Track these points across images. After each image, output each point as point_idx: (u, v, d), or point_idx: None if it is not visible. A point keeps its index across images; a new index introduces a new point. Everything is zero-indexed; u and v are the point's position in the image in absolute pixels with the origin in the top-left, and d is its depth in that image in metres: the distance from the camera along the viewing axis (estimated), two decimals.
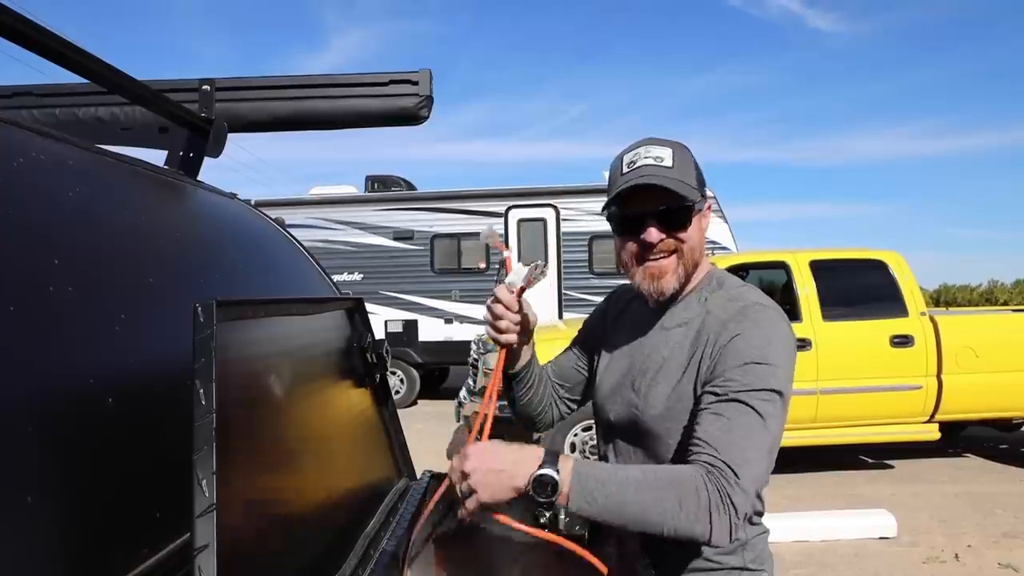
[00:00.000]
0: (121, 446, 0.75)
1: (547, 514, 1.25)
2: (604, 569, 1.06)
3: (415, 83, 1.69)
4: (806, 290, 5.75)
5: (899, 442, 5.91)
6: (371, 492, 1.29)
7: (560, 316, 9.66)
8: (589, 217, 9.84)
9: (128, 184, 1.09)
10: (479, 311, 10.22)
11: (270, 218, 1.68)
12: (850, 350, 5.66)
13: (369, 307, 1.39)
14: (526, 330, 1.34)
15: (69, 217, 0.83)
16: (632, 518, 1.02)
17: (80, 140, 1.01)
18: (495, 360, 1.35)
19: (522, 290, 1.26)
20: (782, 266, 5.98)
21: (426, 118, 1.72)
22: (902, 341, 5.64)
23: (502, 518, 1.06)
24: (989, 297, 20.64)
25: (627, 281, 1.33)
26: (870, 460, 6.37)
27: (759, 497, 1.19)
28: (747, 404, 1.08)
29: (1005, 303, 17.57)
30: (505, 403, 1.39)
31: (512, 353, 1.35)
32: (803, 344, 5.51)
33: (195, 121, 1.43)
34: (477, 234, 11.19)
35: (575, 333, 1.54)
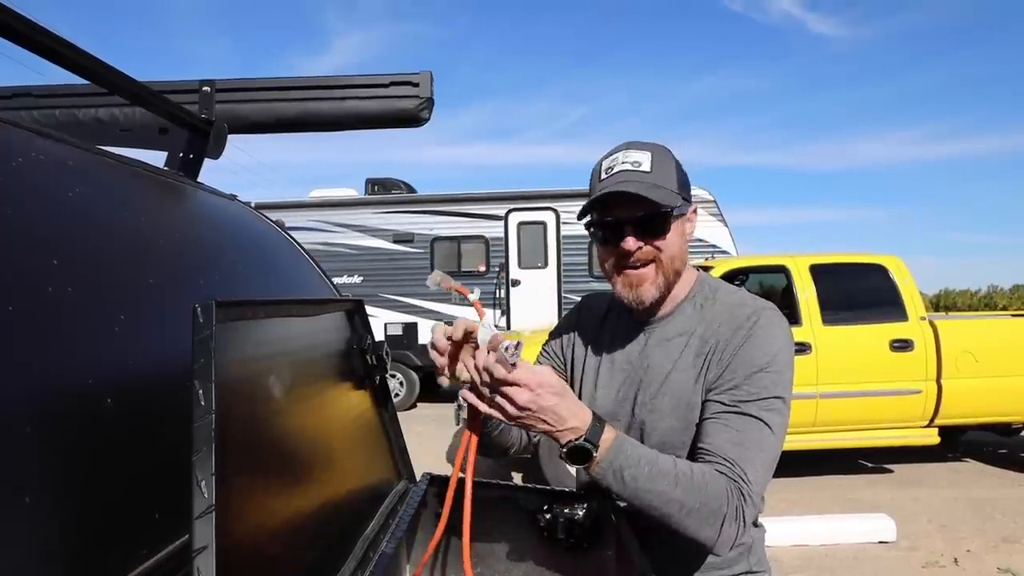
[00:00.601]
0: (120, 447, 0.74)
1: (547, 516, 1.25)
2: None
3: (416, 85, 1.68)
4: (806, 294, 5.75)
5: (899, 446, 5.91)
6: (370, 494, 1.29)
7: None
8: None
9: (128, 185, 1.09)
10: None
11: (270, 220, 1.67)
12: (850, 354, 5.66)
13: (369, 310, 1.38)
14: None
15: (69, 218, 0.83)
16: (648, 504, 1.05)
17: (80, 141, 1.00)
18: (461, 398, 1.32)
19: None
20: (782, 270, 5.99)
21: (427, 120, 1.72)
22: (902, 345, 5.64)
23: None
24: (988, 302, 20.66)
25: (598, 289, 1.33)
26: (869, 464, 6.36)
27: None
28: (756, 417, 1.10)
29: (1004, 308, 17.59)
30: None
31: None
32: (803, 348, 5.51)
33: (195, 122, 1.43)
34: (478, 237, 11.18)
35: None
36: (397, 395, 9.75)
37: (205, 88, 1.54)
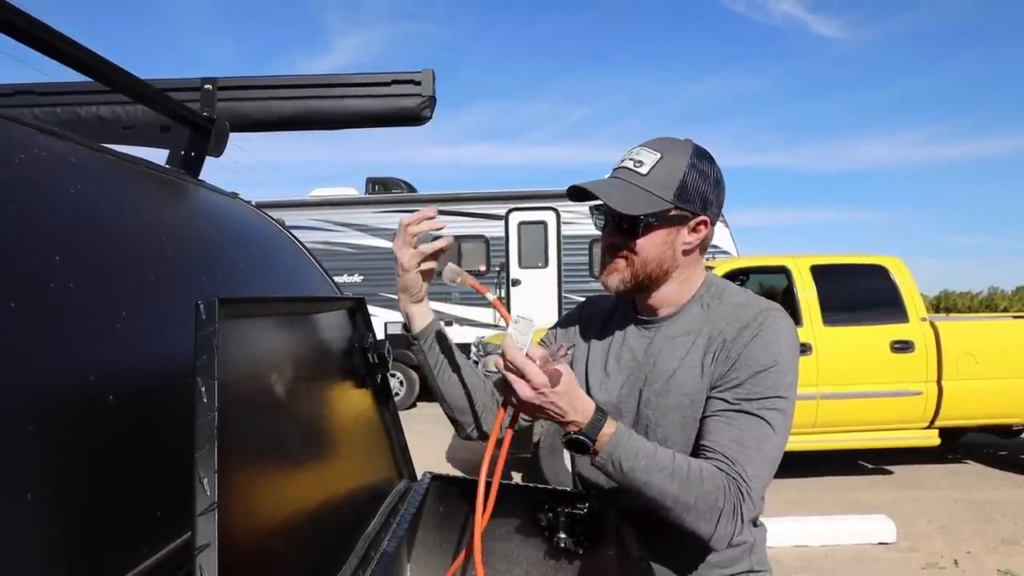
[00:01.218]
0: (122, 444, 0.74)
1: (547, 516, 1.25)
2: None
3: (417, 83, 1.68)
4: (807, 295, 5.75)
5: (899, 447, 5.91)
6: (372, 493, 1.29)
7: None
8: (590, 220, 9.82)
9: (130, 183, 1.09)
10: (479, 313, 10.23)
11: (272, 218, 1.67)
12: (850, 355, 5.65)
13: (370, 309, 1.38)
14: (428, 279, 1.32)
15: (71, 215, 0.83)
16: (646, 496, 1.07)
17: (82, 138, 1.00)
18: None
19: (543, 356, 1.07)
20: (783, 271, 5.99)
21: (428, 119, 1.72)
22: (903, 347, 5.64)
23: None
24: (989, 304, 20.66)
25: (598, 288, 1.35)
26: (870, 465, 6.36)
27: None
28: (758, 415, 1.10)
29: (1005, 310, 17.59)
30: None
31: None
32: (804, 349, 5.51)
33: (197, 120, 1.43)
34: (479, 236, 11.17)
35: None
36: (398, 394, 9.75)
37: (207, 86, 1.54)
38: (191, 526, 0.58)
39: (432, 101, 1.71)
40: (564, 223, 10.10)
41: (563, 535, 1.23)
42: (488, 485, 1.10)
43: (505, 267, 10.15)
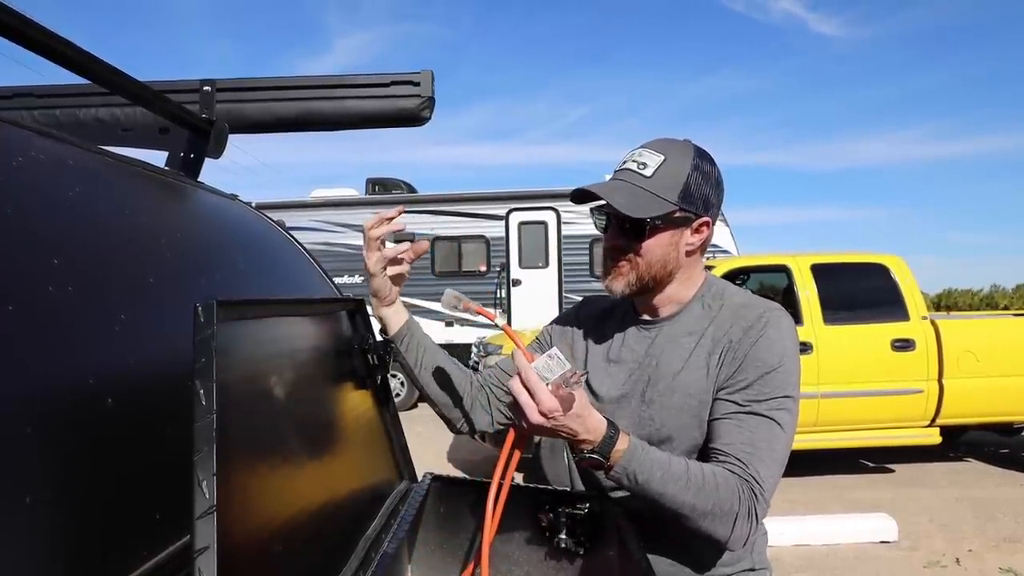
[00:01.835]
0: (121, 447, 0.74)
1: (549, 516, 1.25)
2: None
3: (417, 84, 1.68)
4: (807, 294, 5.75)
5: (900, 446, 5.91)
6: (372, 494, 1.29)
7: None
8: (590, 220, 9.78)
9: (129, 185, 1.09)
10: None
11: (271, 219, 1.67)
12: (851, 354, 5.65)
13: (370, 310, 1.38)
14: (399, 283, 1.34)
15: (69, 217, 0.83)
16: (662, 506, 1.08)
17: (81, 141, 1.00)
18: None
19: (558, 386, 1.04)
20: (783, 269, 5.99)
21: (427, 119, 1.72)
22: (903, 345, 5.64)
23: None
24: (990, 302, 20.64)
25: (599, 288, 1.35)
26: (871, 464, 6.36)
27: None
28: (767, 416, 1.12)
29: (1006, 308, 17.58)
30: None
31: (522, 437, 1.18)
32: (804, 348, 5.50)
33: (196, 122, 1.43)
34: (479, 237, 11.17)
35: None
36: (398, 395, 9.75)
37: (206, 88, 1.54)
38: (190, 529, 0.58)
39: (431, 102, 1.70)
40: (564, 223, 10.10)
41: (564, 536, 1.23)
42: (497, 500, 1.11)
43: (505, 267, 10.15)
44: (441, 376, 1.38)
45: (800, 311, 5.67)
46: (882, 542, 4.44)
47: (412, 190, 11.47)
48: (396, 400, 1.43)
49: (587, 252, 10.06)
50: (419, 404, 9.94)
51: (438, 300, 1.32)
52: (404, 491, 1.41)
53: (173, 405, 0.75)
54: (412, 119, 1.71)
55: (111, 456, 0.72)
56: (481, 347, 6.70)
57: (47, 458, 0.63)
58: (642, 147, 1.22)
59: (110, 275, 0.84)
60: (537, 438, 5.21)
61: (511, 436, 1.12)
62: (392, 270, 1.29)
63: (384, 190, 11.26)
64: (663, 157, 1.19)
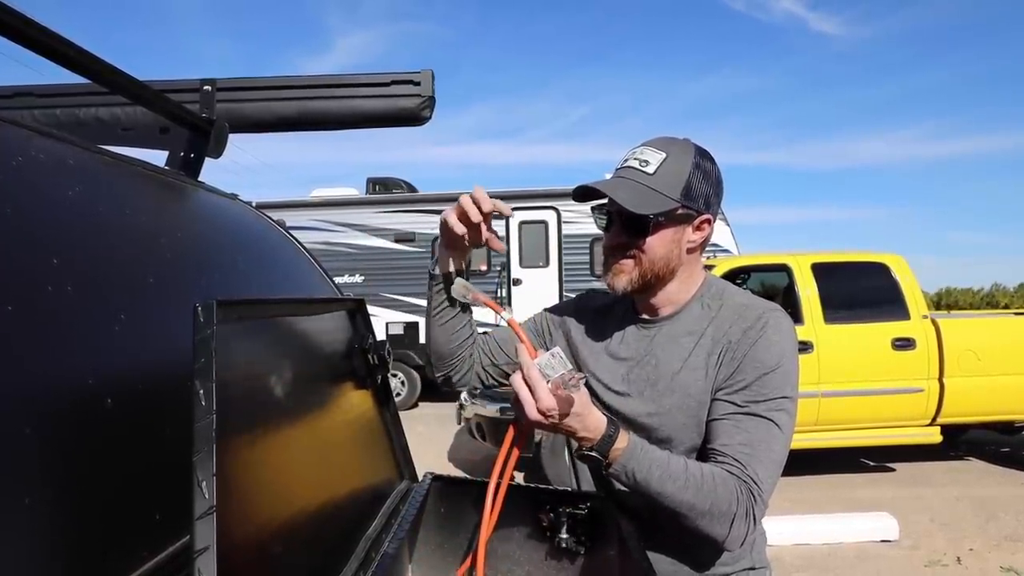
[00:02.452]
0: (120, 447, 0.74)
1: (549, 516, 1.25)
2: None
3: (417, 83, 1.68)
4: (808, 293, 5.75)
5: (901, 445, 5.91)
6: (372, 494, 1.29)
7: None
8: (590, 219, 9.81)
9: (129, 184, 1.08)
10: (480, 313, 10.22)
11: (271, 219, 1.67)
12: (852, 353, 5.65)
13: (370, 309, 1.38)
14: (463, 244, 1.27)
15: (69, 217, 0.83)
16: (661, 505, 1.09)
17: (81, 140, 1.00)
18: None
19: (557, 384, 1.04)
20: (784, 269, 5.99)
21: (428, 119, 1.72)
22: (904, 344, 5.64)
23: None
24: (991, 300, 20.63)
25: (599, 287, 1.35)
26: (872, 463, 6.36)
27: None
28: (766, 417, 1.12)
29: (1007, 307, 17.57)
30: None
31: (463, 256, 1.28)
32: (805, 347, 5.50)
33: (196, 122, 1.43)
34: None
35: None
36: (399, 395, 9.76)
37: (206, 87, 1.54)
38: (190, 529, 0.58)
39: (431, 101, 1.70)
40: (565, 222, 10.10)
41: (564, 535, 1.23)
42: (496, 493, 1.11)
43: (506, 266, 10.15)
44: (451, 328, 1.36)
45: (801, 310, 5.67)
46: (883, 541, 4.44)
47: (412, 189, 11.47)
48: (397, 399, 1.42)
49: (587, 251, 10.05)
50: (420, 403, 9.96)
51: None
52: (404, 491, 1.41)
53: (173, 405, 0.75)
54: (412, 119, 1.71)
55: (111, 456, 0.72)
56: None
57: (46, 458, 0.63)
58: (643, 145, 1.22)
59: (110, 275, 0.84)
60: (538, 438, 5.19)
61: (511, 431, 1.13)
62: (469, 233, 1.24)
63: (384, 189, 11.26)
64: (665, 155, 1.19)
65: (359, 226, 10.44)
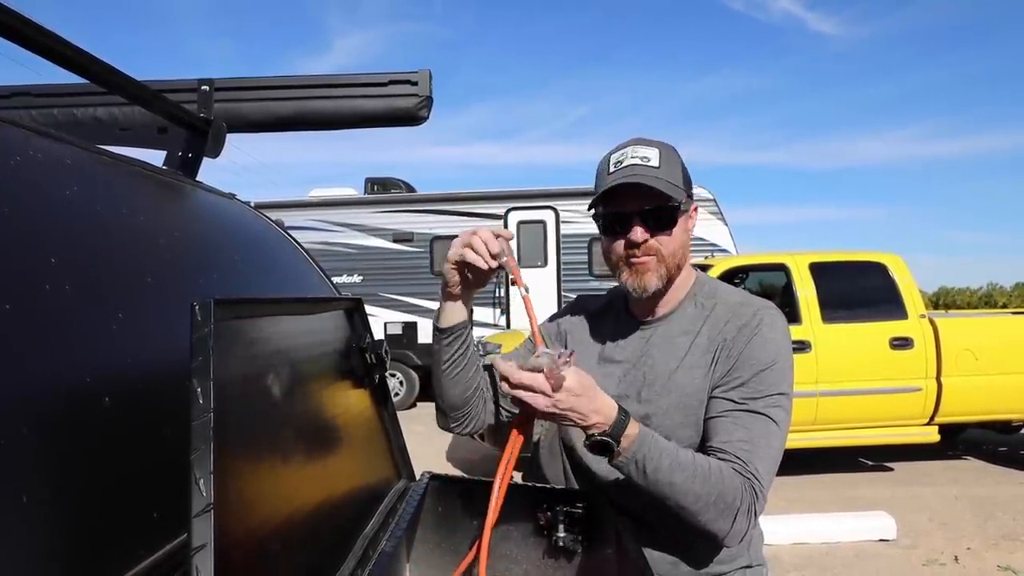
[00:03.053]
0: (118, 445, 0.74)
1: (547, 515, 1.25)
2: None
3: (414, 83, 1.68)
4: (805, 292, 5.75)
5: (898, 444, 5.91)
6: (370, 493, 1.29)
7: None
8: (588, 219, 9.81)
9: (127, 184, 1.09)
10: (479, 313, 10.22)
11: (270, 219, 1.67)
12: (849, 352, 5.66)
13: (368, 309, 1.38)
14: (481, 282, 1.26)
15: (67, 217, 0.83)
16: (666, 495, 1.08)
17: (78, 140, 1.00)
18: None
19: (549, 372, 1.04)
20: (782, 268, 6.00)
21: (425, 119, 1.72)
22: (901, 343, 5.64)
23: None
24: (988, 300, 20.64)
25: (597, 287, 1.35)
26: (869, 462, 6.36)
27: None
28: (763, 414, 1.13)
29: (1004, 306, 17.59)
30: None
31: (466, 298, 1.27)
32: (803, 346, 5.51)
33: (194, 121, 1.43)
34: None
35: None
36: (397, 394, 9.75)
37: (204, 87, 1.54)
38: (187, 527, 0.58)
39: (429, 101, 1.71)
40: (563, 222, 10.10)
41: (562, 533, 1.23)
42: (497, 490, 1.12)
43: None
44: (463, 383, 1.33)
45: (798, 310, 5.68)
46: (881, 540, 4.45)
47: (411, 190, 11.46)
48: (395, 399, 1.43)
49: (586, 251, 10.05)
50: (418, 403, 9.95)
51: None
52: (402, 490, 1.41)
53: (171, 404, 0.76)
54: (410, 118, 1.71)
55: (109, 455, 0.72)
56: (480, 347, 6.70)
57: (44, 457, 0.63)
58: (632, 145, 1.23)
59: (108, 274, 0.84)
60: (537, 437, 5.19)
61: (512, 438, 1.14)
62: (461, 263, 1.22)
63: (383, 190, 11.25)
64: (658, 150, 1.21)
65: (357, 226, 10.43)
